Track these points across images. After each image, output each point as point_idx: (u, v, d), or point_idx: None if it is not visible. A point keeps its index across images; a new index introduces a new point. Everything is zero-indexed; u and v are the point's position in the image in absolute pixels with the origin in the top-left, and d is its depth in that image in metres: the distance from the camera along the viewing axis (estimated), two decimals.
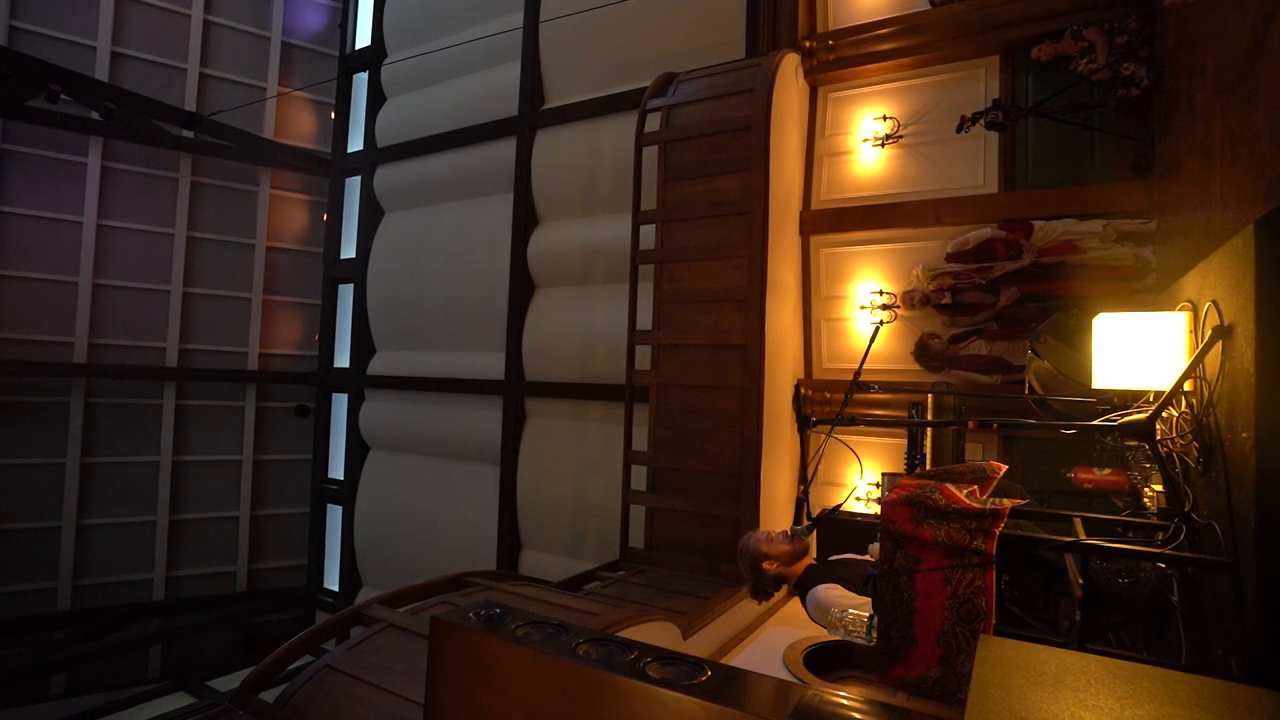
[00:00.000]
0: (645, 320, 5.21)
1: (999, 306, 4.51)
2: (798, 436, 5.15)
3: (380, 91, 9.06)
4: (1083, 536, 2.11)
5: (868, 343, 3.55)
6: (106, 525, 8.25)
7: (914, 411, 4.27)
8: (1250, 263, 1.72)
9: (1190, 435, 2.11)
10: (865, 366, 3.56)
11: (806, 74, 5.42)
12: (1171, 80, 3.74)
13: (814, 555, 3.03)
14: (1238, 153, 2.34)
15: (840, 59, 5.31)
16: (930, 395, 4.15)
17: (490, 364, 7.43)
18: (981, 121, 4.21)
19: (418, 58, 8.04)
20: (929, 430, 4.07)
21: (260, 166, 9.32)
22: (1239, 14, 2.37)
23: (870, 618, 2.22)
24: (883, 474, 3.90)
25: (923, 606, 2.05)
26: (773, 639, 4.01)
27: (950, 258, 4.66)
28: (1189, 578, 2.09)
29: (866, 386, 3.75)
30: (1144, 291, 4.02)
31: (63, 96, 7.64)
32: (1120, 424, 2.17)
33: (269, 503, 9.28)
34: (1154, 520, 2.25)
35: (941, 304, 4.72)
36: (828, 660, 3.59)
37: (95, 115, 8.02)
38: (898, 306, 4.90)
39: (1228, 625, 1.78)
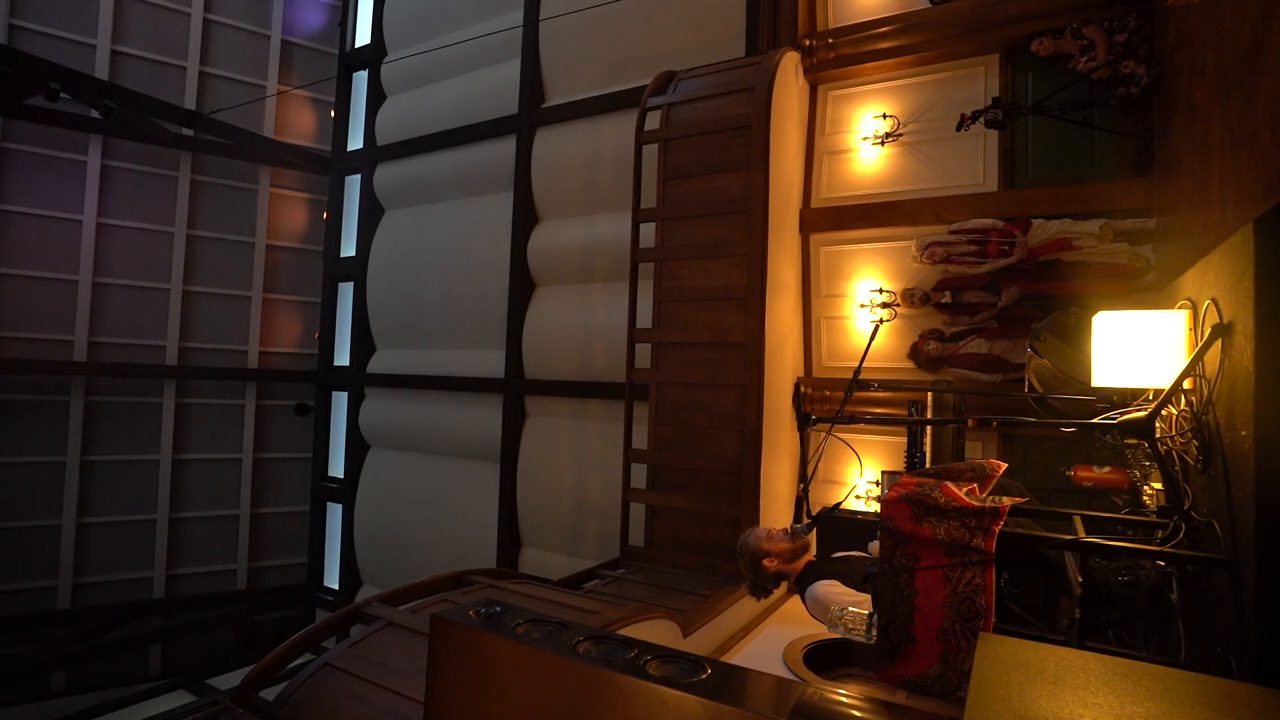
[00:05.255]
0: (645, 318, 5.21)
1: (999, 306, 4.51)
2: (797, 435, 5.15)
3: (380, 89, 9.04)
4: (1082, 534, 2.11)
5: (867, 341, 3.56)
6: (107, 523, 8.26)
7: (914, 410, 4.27)
8: (1250, 261, 1.72)
9: (1190, 433, 2.11)
10: (865, 365, 3.57)
11: (806, 72, 5.41)
12: (1171, 78, 3.74)
13: (814, 553, 3.04)
14: (1237, 151, 2.33)
15: (840, 57, 5.31)
16: (930, 393, 4.15)
17: (490, 362, 7.43)
18: (981, 120, 4.22)
19: (418, 56, 8.02)
20: (929, 428, 4.07)
21: (260, 165, 9.32)
22: (1239, 12, 2.36)
23: (870, 615, 2.22)
24: (883, 472, 3.89)
25: (922, 604, 2.05)
26: (772, 637, 4.01)
27: (951, 232, 4.66)
28: (1188, 575, 2.10)
29: (866, 385, 3.75)
30: (1144, 290, 4.02)
31: (62, 95, 7.62)
32: (1120, 422, 2.17)
33: (269, 501, 9.29)
34: (1153, 518, 2.25)
35: (941, 303, 4.72)
36: (828, 658, 3.59)
37: (95, 113, 8.01)
38: (898, 305, 4.90)
39: (1227, 623, 1.79)
